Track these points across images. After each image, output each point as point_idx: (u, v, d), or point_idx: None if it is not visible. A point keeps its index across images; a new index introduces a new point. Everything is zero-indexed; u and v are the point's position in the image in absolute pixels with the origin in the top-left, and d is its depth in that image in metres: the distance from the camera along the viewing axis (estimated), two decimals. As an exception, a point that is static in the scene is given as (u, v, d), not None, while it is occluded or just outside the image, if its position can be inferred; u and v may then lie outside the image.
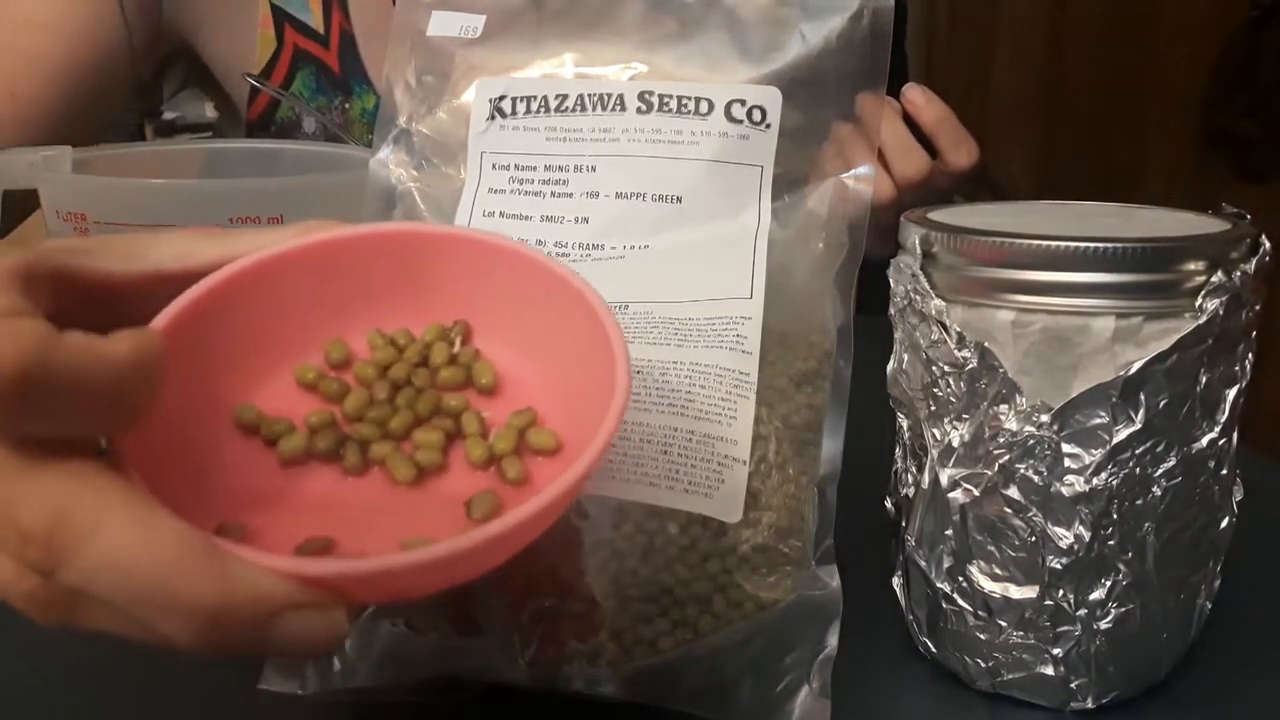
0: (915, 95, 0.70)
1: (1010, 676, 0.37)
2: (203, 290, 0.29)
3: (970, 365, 0.35)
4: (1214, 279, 0.34)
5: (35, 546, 0.23)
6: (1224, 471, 0.37)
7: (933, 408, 0.37)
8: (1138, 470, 0.34)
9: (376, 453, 0.30)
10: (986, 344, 0.35)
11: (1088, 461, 0.34)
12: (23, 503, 0.24)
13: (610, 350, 0.29)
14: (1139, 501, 0.35)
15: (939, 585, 0.38)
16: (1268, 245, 0.36)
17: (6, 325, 0.23)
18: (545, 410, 0.31)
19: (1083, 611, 0.36)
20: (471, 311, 0.33)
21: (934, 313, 0.36)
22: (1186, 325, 0.33)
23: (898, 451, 0.40)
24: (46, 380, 0.23)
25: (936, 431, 0.37)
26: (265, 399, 0.31)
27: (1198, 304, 0.34)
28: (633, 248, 0.41)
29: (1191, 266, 0.34)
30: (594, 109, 0.43)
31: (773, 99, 0.42)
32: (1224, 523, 0.38)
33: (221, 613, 0.23)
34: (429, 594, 0.29)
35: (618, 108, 0.43)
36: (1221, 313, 0.34)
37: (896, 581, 0.40)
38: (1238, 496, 0.38)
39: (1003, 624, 0.36)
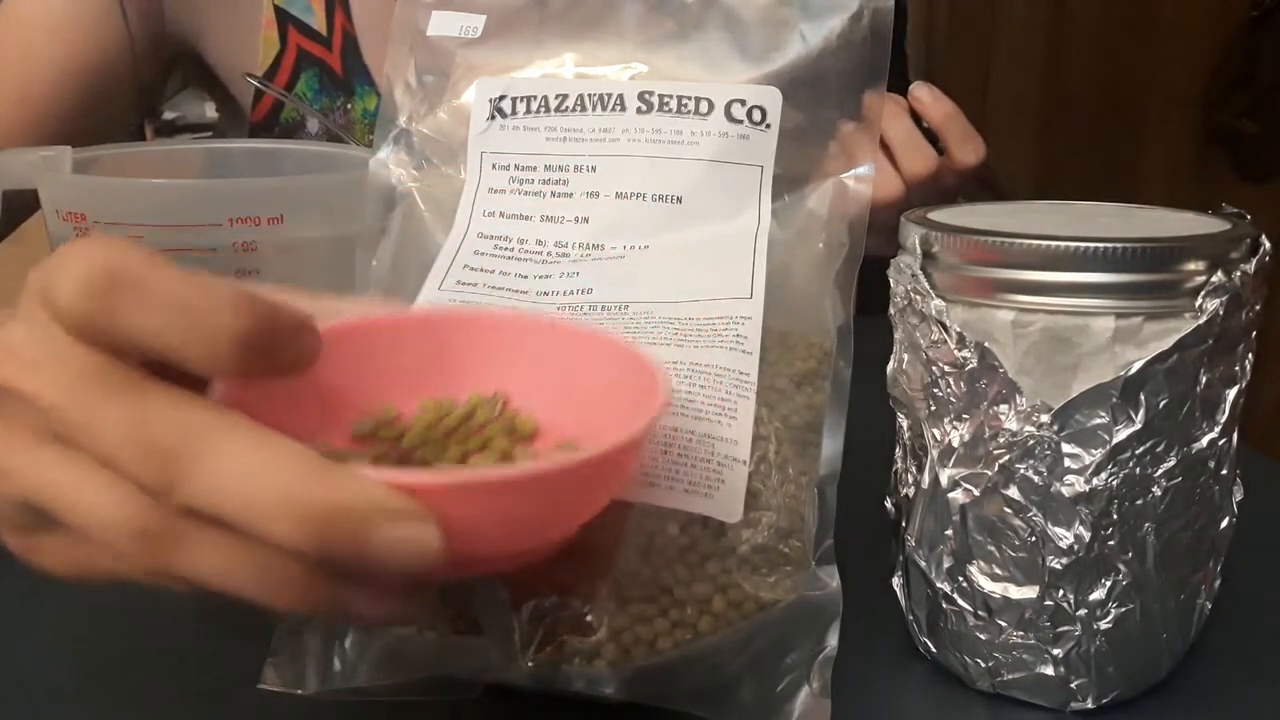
0: (922, 93, 0.70)
1: (1010, 676, 0.37)
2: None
3: (970, 365, 0.35)
4: (1214, 279, 0.34)
5: (160, 460, 0.25)
6: (1224, 471, 0.37)
7: (933, 408, 0.37)
8: (1138, 470, 0.34)
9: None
10: (986, 344, 0.35)
11: (1088, 461, 0.34)
12: (153, 418, 0.25)
13: (645, 369, 0.32)
14: (1139, 501, 0.35)
15: (939, 585, 0.38)
16: (1268, 245, 0.36)
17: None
18: (587, 444, 0.32)
19: (1083, 611, 0.36)
20: (509, 378, 0.35)
21: (934, 313, 0.36)
22: (1186, 325, 0.33)
23: (898, 451, 0.40)
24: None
25: (936, 431, 0.37)
26: (330, 440, 0.33)
27: (1198, 304, 0.34)
28: (633, 248, 0.41)
29: (1191, 266, 0.34)
30: (594, 109, 0.43)
31: (773, 99, 0.42)
32: (1224, 523, 0.38)
33: (335, 513, 0.25)
34: (516, 556, 0.30)
35: (618, 108, 0.43)
36: (1221, 313, 0.34)
37: (896, 581, 0.40)
38: (1238, 496, 0.38)
39: (1003, 624, 0.36)
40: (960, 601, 0.37)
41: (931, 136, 0.71)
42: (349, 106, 0.86)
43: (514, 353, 0.35)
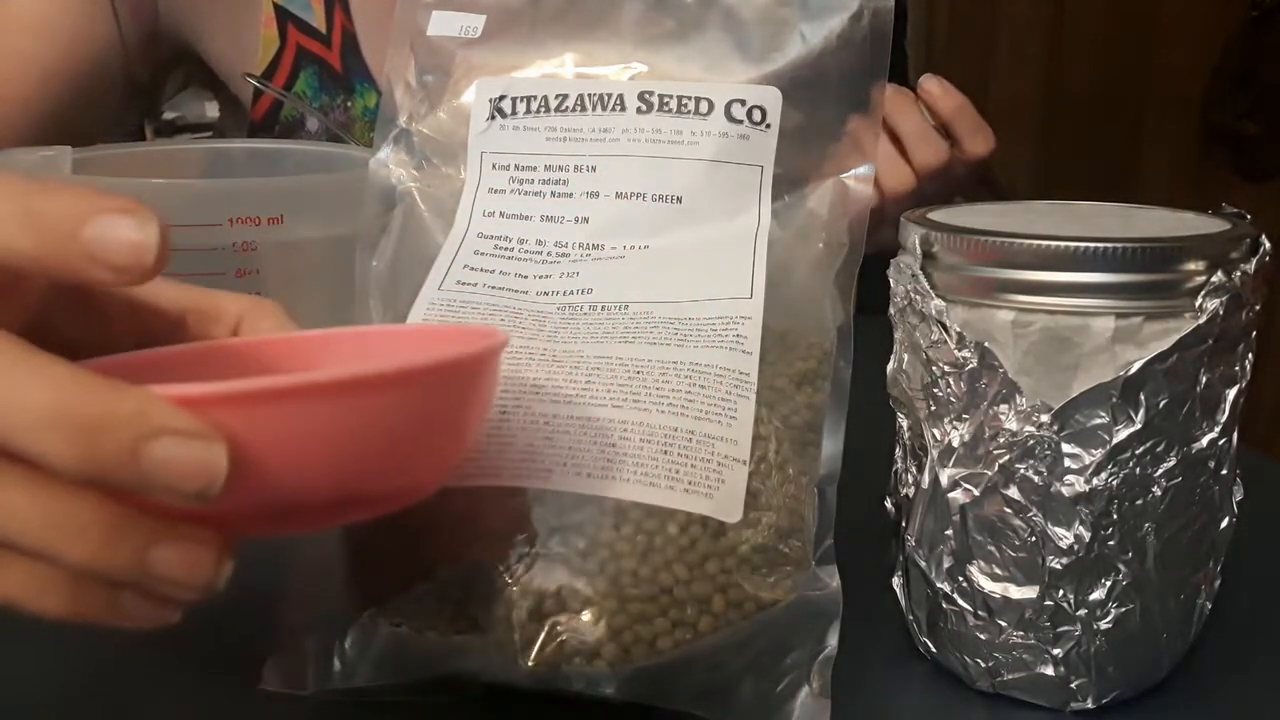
0: (932, 85, 0.71)
1: (1010, 676, 0.37)
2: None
3: (970, 365, 0.35)
4: (1214, 279, 0.34)
5: None
6: (1224, 471, 0.37)
7: (933, 408, 0.37)
8: (1138, 470, 0.34)
9: None
10: (986, 344, 0.35)
11: (1088, 461, 0.34)
12: None
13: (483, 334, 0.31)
14: (1139, 501, 0.35)
15: (939, 585, 0.38)
16: (1268, 245, 0.36)
17: None
18: None
19: (1083, 611, 0.36)
20: None
21: (934, 313, 0.36)
22: (1186, 325, 0.33)
23: (898, 451, 0.40)
24: None
25: (936, 431, 0.37)
26: None
27: (1198, 304, 0.34)
28: (633, 248, 0.41)
29: (1191, 266, 0.34)
30: (594, 109, 0.43)
31: (773, 99, 0.42)
32: (1224, 523, 0.38)
33: (102, 424, 0.23)
34: (342, 505, 0.29)
35: (618, 108, 0.43)
36: (1221, 313, 0.34)
37: (896, 581, 0.40)
38: (1238, 496, 0.38)
39: (1003, 624, 0.36)
40: (960, 601, 0.37)
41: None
42: (348, 104, 0.86)
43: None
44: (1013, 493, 0.35)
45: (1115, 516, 0.35)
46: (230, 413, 0.25)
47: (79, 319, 0.31)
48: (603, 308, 0.40)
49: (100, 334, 0.32)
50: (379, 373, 0.26)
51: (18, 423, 0.24)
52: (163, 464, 0.24)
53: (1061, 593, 0.35)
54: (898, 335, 0.38)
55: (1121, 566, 0.35)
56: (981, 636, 0.37)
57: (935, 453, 0.37)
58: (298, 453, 0.26)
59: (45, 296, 0.29)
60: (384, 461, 0.28)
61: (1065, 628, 0.36)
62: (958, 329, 0.35)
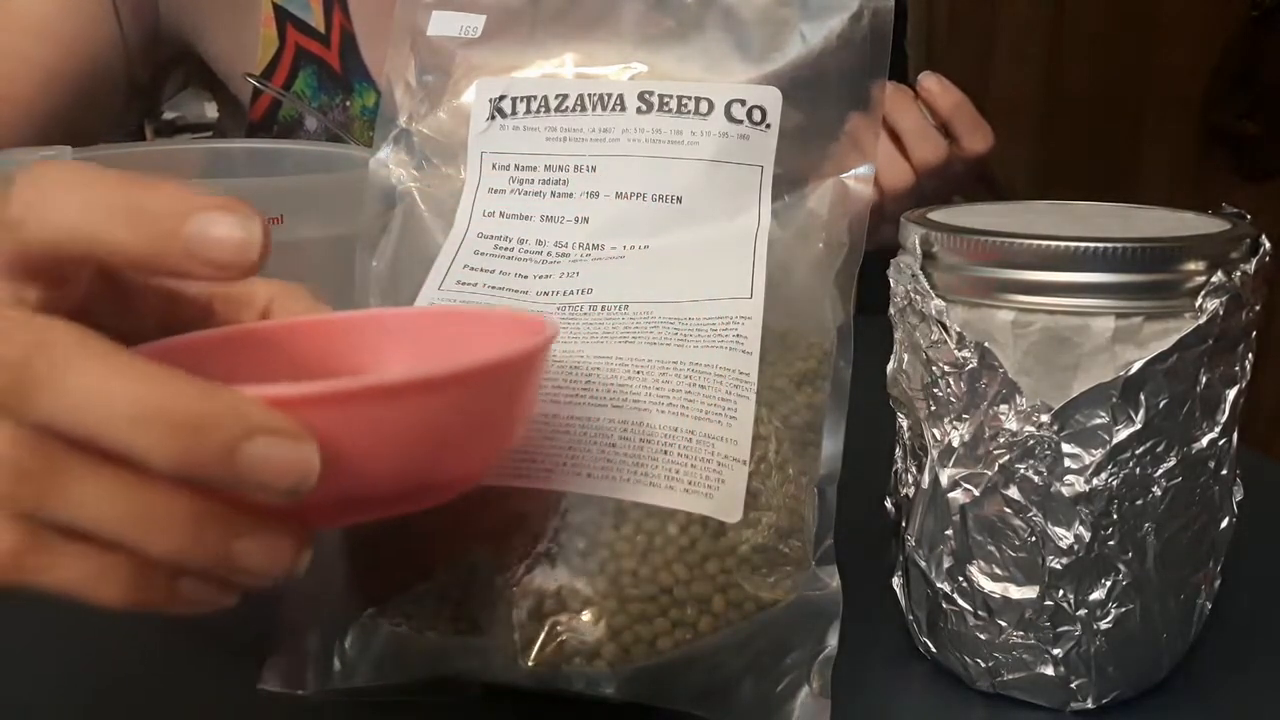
0: (931, 83, 0.71)
1: (1010, 676, 0.37)
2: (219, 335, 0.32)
3: (970, 365, 0.35)
4: (1214, 279, 0.34)
5: (11, 372, 0.24)
6: (1224, 471, 0.37)
7: (933, 408, 0.37)
8: (1138, 470, 0.34)
9: None
10: (986, 344, 0.35)
11: (1088, 461, 0.34)
12: (6, 333, 0.24)
13: (532, 324, 0.32)
14: (1139, 501, 0.35)
15: (939, 585, 0.38)
16: (1268, 245, 0.36)
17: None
18: None
19: (1083, 611, 0.36)
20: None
21: (934, 313, 0.36)
22: (1186, 325, 0.33)
23: (898, 451, 0.40)
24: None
25: (936, 431, 0.37)
26: None
27: (1198, 304, 0.34)
28: (633, 248, 0.41)
29: (1191, 266, 0.34)
30: (594, 109, 0.43)
31: (773, 99, 0.42)
32: (1224, 523, 0.38)
33: (200, 424, 0.24)
34: (411, 494, 0.29)
35: (618, 108, 0.43)
36: (1221, 313, 0.34)
37: (896, 581, 0.40)
38: (1238, 496, 0.38)
39: (1003, 624, 0.36)
40: (960, 601, 0.37)
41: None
42: (347, 104, 0.86)
43: (406, 346, 0.35)
44: (1013, 493, 0.35)
45: (1115, 516, 0.35)
46: (318, 412, 0.25)
47: (112, 305, 0.31)
48: (603, 308, 0.40)
49: (132, 320, 0.32)
50: (455, 371, 0.27)
51: (115, 420, 0.24)
52: (260, 462, 0.24)
53: (1061, 593, 0.35)
54: (898, 335, 0.38)
55: (1121, 566, 0.35)
56: (981, 636, 0.37)
57: (935, 453, 0.37)
58: (376, 447, 0.27)
59: (90, 284, 0.30)
60: (451, 451, 0.29)
61: (1065, 628, 0.36)
62: (958, 329, 0.35)
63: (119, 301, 0.31)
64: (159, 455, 0.24)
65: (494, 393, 0.29)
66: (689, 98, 0.43)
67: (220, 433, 0.24)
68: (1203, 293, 0.34)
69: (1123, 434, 0.34)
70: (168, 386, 0.24)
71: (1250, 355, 0.36)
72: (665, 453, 0.35)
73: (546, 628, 0.34)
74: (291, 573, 0.27)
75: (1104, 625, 0.36)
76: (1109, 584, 0.35)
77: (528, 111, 0.44)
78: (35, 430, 0.25)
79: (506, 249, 0.42)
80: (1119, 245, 0.33)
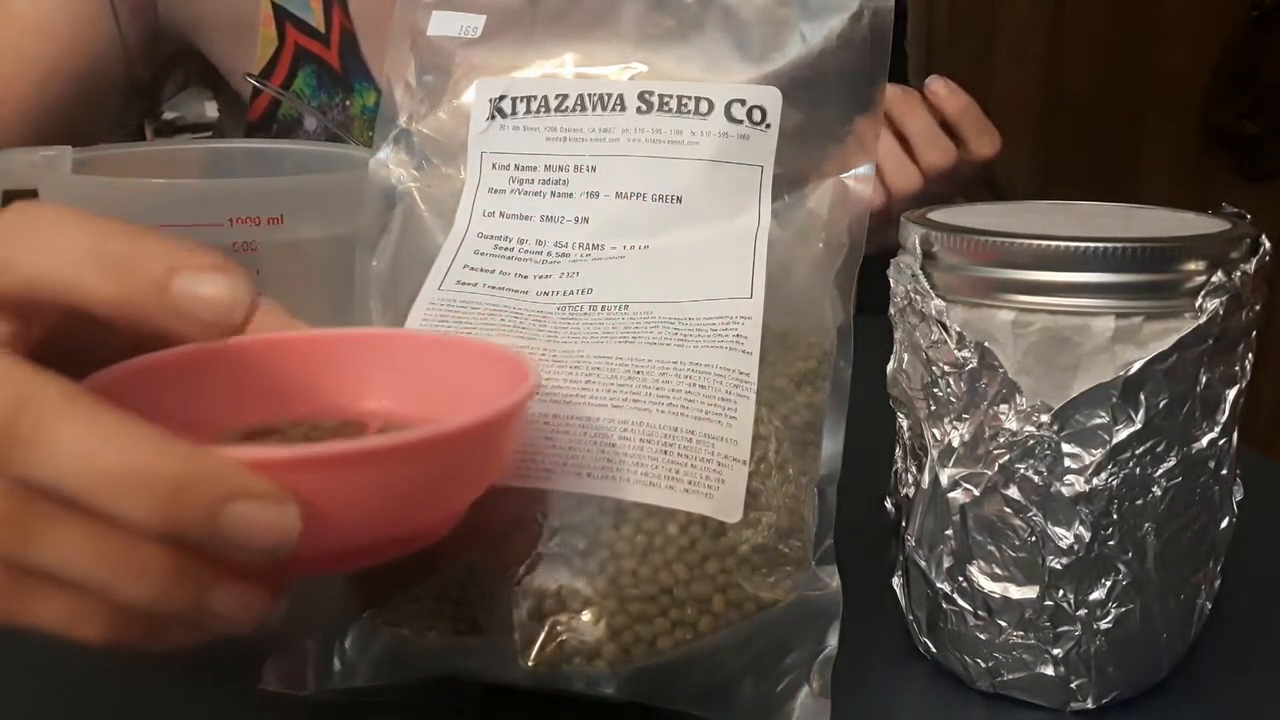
0: (938, 86, 0.71)
1: (1010, 676, 0.37)
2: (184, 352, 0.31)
3: (970, 365, 0.35)
4: (1214, 279, 0.34)
5: None
6: (1224, 471, 0.37)
7: (933, 408, 0.37)
8: (1138, 470, 0.34)
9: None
10: (986, 344, 0.35)
11: (1088, 461, 0.34)
12: None
13: (515, 366, 0.32)
14: (1139, 501, 0.35)
15: (939, 585, 0.38)
16: (1268, 245, 0.36)
17: None
18: None
19: (1083, 611, 0.36)
20: (384, 392, 0.35)
21: (934, 313, 0.36)
22: (1186, 325, 0.33)
23: (898, 451, 0.40)
24: None
25: (936, 431, 0.37)
26: None
27: (1198, 304, 0.34)
28: (633, 248, 0.41)
29: (1191, 266, 0.34)
30: (594, 109, 0.43)
31: (773, 99, 0.42)
32: (1224, 523, 0.38)
33: (183, 487, 0.24)
34: (389, 545, 0.30)
35: (618, 108, 0.43)
36: (1221, 313, 0.34)
37: (896, 581, 0.40)
38: (1238, 496, 0.38)
39: (1003, 624, 0.36)
40: (960, 601, 0.37)
41: (947, 128, 0.71)
42: (347, 103, 0.86)
43: (387, 367, 0.35)
44: (1013, 493, 0.35)
45: (1115, 516, 0.35)
46: (299, 475, 0.26)
47: (82, 324, 0.31)
48: (603, 308, 0.40)
49: (101, 336, 0.31)
50: (442, 433, 0.27)
51: (98, 483, 0.24)
52: (241, 525, 0.24)
53: (1061, 593, 0.35)
54: (898, 335, 0.38)
55: (1121, 566, 0.35)
56: (981, 636, 0.37)
57: (935, 453, 0.37)
58: (358, 505, 0.27)
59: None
60: (434, 503, 0.30)
61: (1065, 628, 0.36)
62: (958, 329, 0.35)
63: (87, 320, 0.31)
64: (141, 517, 0.24)
65: (477, 448, 0.30)
66: (689, 98, 0.43)
67: (203, 496, 0.24)
68: (1203, 293, 0.34)
69: (1123, 434, 0.34)
70: (151, 449, 0.24)
71: (1250, 355, 0.36)
72: (665, 453, 0.35)
73: (546, 628, 0.34)
74: (266, 621, 0.27)
75: (1104, 625, 0.36)
76: (1109, 584, 0.35)
77: (528, 111, 0.44)
78: (15, 482, 0.25)
79: (506, 249, 0.42)
80: (1119, 245, 0.33)
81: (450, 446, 0.28)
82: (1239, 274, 0.34)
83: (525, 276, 0.41)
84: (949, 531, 0.37)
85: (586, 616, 0.34)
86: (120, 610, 0.27)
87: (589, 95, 0.43)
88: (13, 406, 0.24)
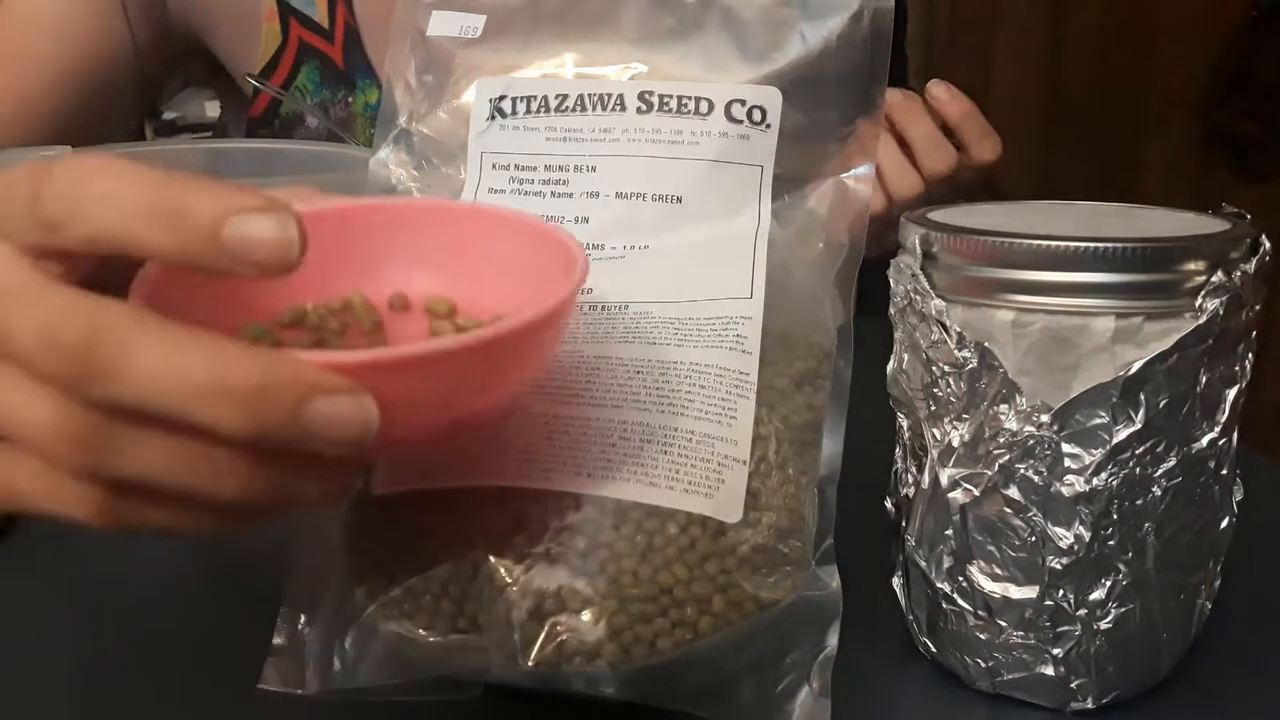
0: (940, 91, 0.71)
1: (1010, 676, 0.37)
2: None
3: (970, 365, 0.35)
4: (1214, 279, 0.34)
5: (76, 360, 0.25)
6: (1224, 471, 0.37)
7: (933, 408, 0.37)
8: (1138, 470, 0.34)
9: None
10: (986, 344, 0.35)
11: (1088, 461, 0.34)
12: (61, 319, 0.25)
13: (566, 250, 0.33)
14: (1139, 501, 0.35)
15: (939, 585, 0.38)
16: (1268, 245, 0.36)
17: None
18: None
19: (1083, 611, 0.36)
20: (431, 264, 0.36)
21: (934, 313, 0.36)
22: (1186, 325, 0.33)
23: (898, 451, 0.40)
24: None
25: (936, 431, 0.37)
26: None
27: (1198, 304, 0.34)
28: (633, 248, 0.41)
29: (1191, 266, 0.34)
30: (594, 109, 0.43)
31: (773, 99, 0.42)
32: (1224, 523, 0.38)
33: (264, 391, 0.25)
34: (451, 427, 0.31)
35: (618, 108, 0.43)
36: (1221, 313, 0.34)
37: (896, 581, 0.40)
38: (1238, 496, 0.38)
39: (1003, 624, 0.36)
40: (960, 601, 0.37)
41: (947, 132, 0.71)
42: (349, 100, 0.86)
43: (436, 240, 0.36)
44: (1013, 493, 0.35)
45: (1115, 516, 0.35)
46: (368, 375, 0.27)
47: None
48: (603, 308, 0.40)
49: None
50: (501, 333, 0.29)
51: (184, 396, 0.25)
52: (322, 421, 0.26)
53: (1061, 593, 0.35)
54: (898, 335, 0.38)
55: (1121, 566, 0.35)
56: (981, 636, 0.37)
57: (935, 453, 0.37)
58: (422, 399, 0.29)
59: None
60: (492, 391, 0.31)
61: (1065, 628, 0.36)
62: (958, 329, 0.35)
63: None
64: (228, 424, 0.25)
65: (532, 343, 0.31)
66: (689, 98, 0.43)
67: (285, 396, 0.25)
68: (1203, 293, 0.34)
69: (1123, 434, 0.34)
70: (229, 358, 0.25)
71: (1250, 355, 0.36)
72: (665, 453, 0.35)
73: (546, 628, 0.34)
74: (346, 499, 0.32)
75: (1104, 625, 0.36)
76: (1109, 584, 0.35)
77: (528, 111, 0.44)
78: (93, 403, 0.26)
79: (506, 249, 0.42)
80: (1119, 245, 0.33)
81: (510, 342, 0.29)
82: (1239, 274, 0.34)
83: (525, 276, 0.41)
84: (949, 531, 0.37)
85: (586, 616, 0.34)
86: (215, 506, 0.28)
87: (589, 95, 0.43)
88: (87, 335, 0.25)
